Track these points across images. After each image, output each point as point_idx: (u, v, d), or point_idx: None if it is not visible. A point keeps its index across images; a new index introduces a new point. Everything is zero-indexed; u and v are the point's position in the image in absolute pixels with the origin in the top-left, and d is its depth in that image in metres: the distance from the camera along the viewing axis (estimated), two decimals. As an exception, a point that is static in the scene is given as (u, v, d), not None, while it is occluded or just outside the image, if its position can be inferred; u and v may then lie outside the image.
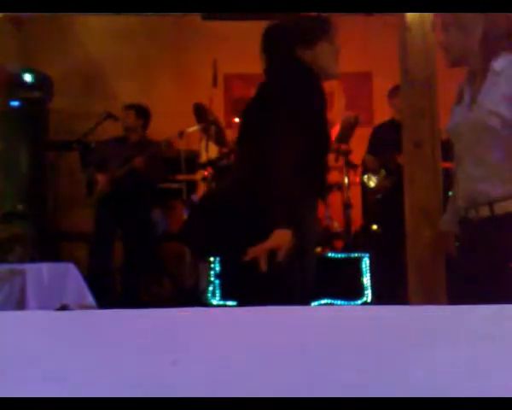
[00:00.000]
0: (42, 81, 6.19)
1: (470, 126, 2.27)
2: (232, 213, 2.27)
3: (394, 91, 5.20)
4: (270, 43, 2.46)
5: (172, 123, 5.76)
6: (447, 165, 3.34)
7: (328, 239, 5.59)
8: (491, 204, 2.21)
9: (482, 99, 2.24)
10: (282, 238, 2.13)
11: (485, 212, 2.23)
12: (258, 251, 2.13)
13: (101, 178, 5.43)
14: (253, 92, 2.47)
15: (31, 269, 3.74)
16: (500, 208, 2.20)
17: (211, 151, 5.41)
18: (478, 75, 2.29)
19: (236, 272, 2.31)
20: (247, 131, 2.43)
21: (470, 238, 2.33)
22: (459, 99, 2.39)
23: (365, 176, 5.39)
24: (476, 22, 2.24)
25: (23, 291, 3.61)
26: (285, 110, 2.21)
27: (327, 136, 2.48)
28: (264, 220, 2.15)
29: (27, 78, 6.10)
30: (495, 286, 2.15)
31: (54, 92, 6.24)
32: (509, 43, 2.23)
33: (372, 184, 5.26)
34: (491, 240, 2.23)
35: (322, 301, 4.88)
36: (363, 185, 5.58)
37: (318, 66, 2.40)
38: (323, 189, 2.78)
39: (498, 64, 2.22)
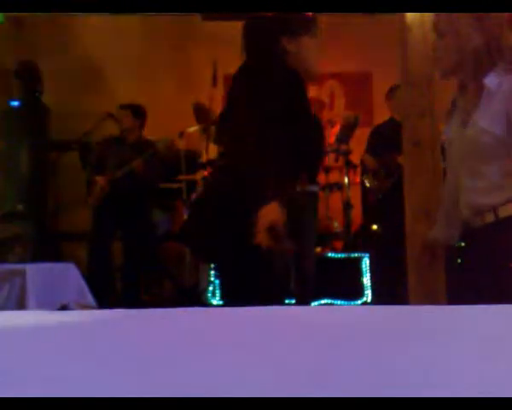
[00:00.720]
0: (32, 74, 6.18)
1: (465, 143, 2.29)
2: (224, 212, 2.23)
3: (391, 93, 5.22)
4: (255, 33, 2.43)
5: (172, 123, 5.76)
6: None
7: (328, 239, 5.59)
8: (495, 210, 2.23)
9: (477, 117, 2.24)
10: (272, 212, 2.07)
11: (490, 218, 2.25)
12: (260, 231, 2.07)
13: (99, 179, 5.42)
14: None
15: (31, 269, 3.74)
16: (503, 212, 2.22)
17: (211, 151, 5.41)
18: (470, 89, 2.29)
19: (235, 273, 2.29)
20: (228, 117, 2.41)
21: (475, 244, 2.34)
22: (452, 110, 2.40)
23: (364, 175, 5.40)
24: (472, 32, 2.24)
25: (23, 291, 3.62)
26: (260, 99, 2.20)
27: (309, 121, 2.44)
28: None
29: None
30: (498, 289, 2.16)
31: (42, 86, 6.22)
32: (500, 58, 2.23)
33: (368, 183, 5.27)
34: (495, 242, 2.24)
35: (322, 301, 4.88)
36: (363, 185, 5.58)
37: (300, 59, 2.36)
38: (311, 170, 2.74)
39: (493, 82, 2.22)
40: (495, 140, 2.19)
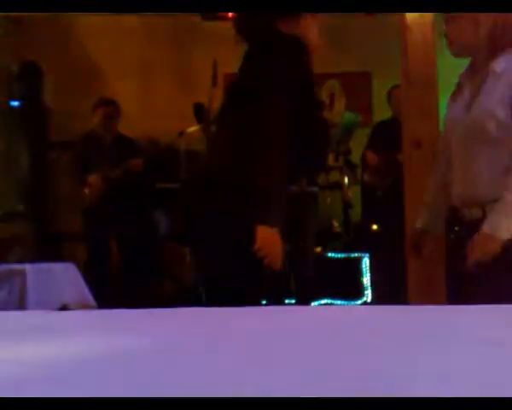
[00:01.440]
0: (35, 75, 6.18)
1: (466, 127, 2.27)
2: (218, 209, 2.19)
3: (391, 93, 5.23)
4: (250, 22, 2.38)
5: (172, 123, 5.76)
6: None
7: (328, 239, 5.59)
8: (482, 205, 2.23)
9: (481, 100, 2.22)
10: (271, 243, 2.00)
11: (478, 213, 2.25)
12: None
13: (92, 181, 5.38)
14: None
15: (31, 269, 3.73)
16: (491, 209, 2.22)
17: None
18: (479, 71, 2.27)
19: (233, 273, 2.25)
20: (228, 110, 2.34)
21: (463, 238, 2.35)
22: (458, 92, 2.37)
23: (364, 172, 5.40)
24: (487, 15, 2.21)
25: (23, 291, 3.61)
26: (271, 86, 2.10)
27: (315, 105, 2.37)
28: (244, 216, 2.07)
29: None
30: (487, 287, 2.17)
31: (43, 86, 6.23)
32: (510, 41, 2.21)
33: (369, 179, 5.28)
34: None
35: (322, 301, 4.88)
36: (363, 185, 5.58)
37: (302, 38, 2.26)
38: (319, 165, 2.63)
39: (499, 65, 2.20)
40: (498, 124, 2.17)
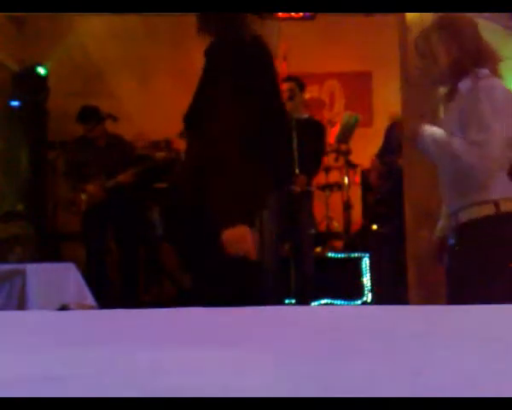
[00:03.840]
0: (38, 81, 6.18)
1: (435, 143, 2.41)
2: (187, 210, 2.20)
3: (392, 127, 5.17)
4: (217, 16, 2.41)
5: (172, 123, 5.75)
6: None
7: (328, 239, 5.60)
8: (455, 214, 2.32)
9: (446, 119, 2.40)
10: (242, 240, 2.01)
11: (452, 222, 2.35)
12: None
13: (90, 189, 5.38)
14: None
15: (31, 269, 3.73)
16: (463, 216, 2.29)
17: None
18: (449, 95, 2.40)
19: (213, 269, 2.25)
20: (194, 116, 2.37)
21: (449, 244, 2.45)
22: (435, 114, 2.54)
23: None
24: (446, 47, 2.32)
25: (23, 291, 3.61)
26: (230, 88, 2.14)
27: (279, 109, 2.35)
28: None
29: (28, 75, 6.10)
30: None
31: (48, 92, 6.24)
32: (474, 65, 2.32)
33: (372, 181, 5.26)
34: (458, 248, 2.31)
35: (322, 301, 4.88)
36: (364, 185, 5.58)
37: (263, 39, 2.31)
38: (283, 175, 2.62)
39: (464, 85, 2.32)
40: (456, 138, 2.27)
